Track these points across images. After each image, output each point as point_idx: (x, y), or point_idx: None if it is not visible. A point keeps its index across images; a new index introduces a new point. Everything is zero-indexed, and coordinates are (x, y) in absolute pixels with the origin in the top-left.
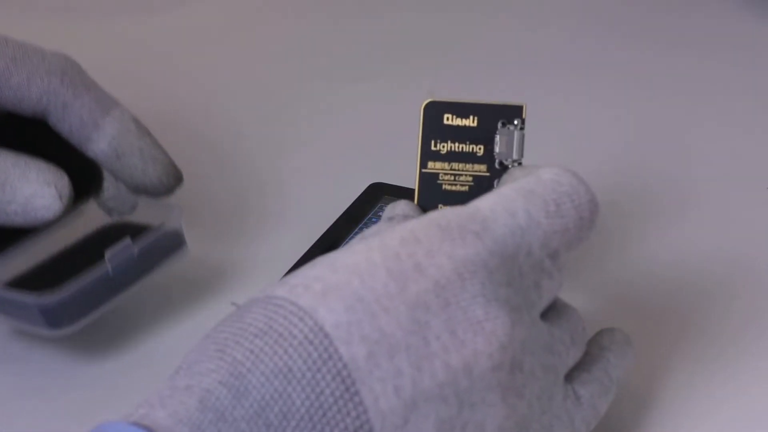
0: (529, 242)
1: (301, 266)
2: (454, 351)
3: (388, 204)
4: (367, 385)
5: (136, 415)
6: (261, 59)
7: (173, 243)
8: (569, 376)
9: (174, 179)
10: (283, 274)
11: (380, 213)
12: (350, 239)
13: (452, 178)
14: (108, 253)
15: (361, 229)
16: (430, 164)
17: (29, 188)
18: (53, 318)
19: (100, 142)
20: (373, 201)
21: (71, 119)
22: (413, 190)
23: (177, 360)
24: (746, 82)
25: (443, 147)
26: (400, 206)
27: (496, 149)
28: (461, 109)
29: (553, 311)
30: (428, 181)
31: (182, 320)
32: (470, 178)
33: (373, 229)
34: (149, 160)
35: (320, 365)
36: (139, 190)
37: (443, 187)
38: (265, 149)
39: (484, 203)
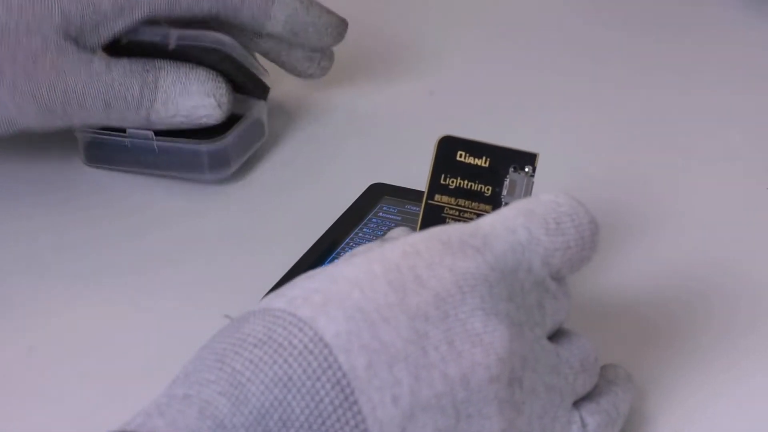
0: (529, 259)
1: (300, 266)
2: (451, 361)
3: (388, 204)
4: (365, 394)
5: (134, 424)
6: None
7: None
8: (577, 405)
9: (343, 30)
10: (284, 274)
11: (380, 213)
12: (350, 239)
13: (457, 213)
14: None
15: (361, 229)
16: (437, 197)
17: (191, 101)
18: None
19: (275, 28)
20: (373, 201)
21: (242, 18)
22: (413, 190)
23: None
24: (742, 81)
25: (452, 182)
26: (398, 231)
27: (504, 192)
28: (475, 148)
29: (562, 336)
30: (433, 212)
31: (175, 327)
32: (474, 216)
33: (363, 247)
34: (322, 29)
35: (320, 374)
36: (317, 50)
37: (446, 220)
38: (265, 148)
39: (485, 221)
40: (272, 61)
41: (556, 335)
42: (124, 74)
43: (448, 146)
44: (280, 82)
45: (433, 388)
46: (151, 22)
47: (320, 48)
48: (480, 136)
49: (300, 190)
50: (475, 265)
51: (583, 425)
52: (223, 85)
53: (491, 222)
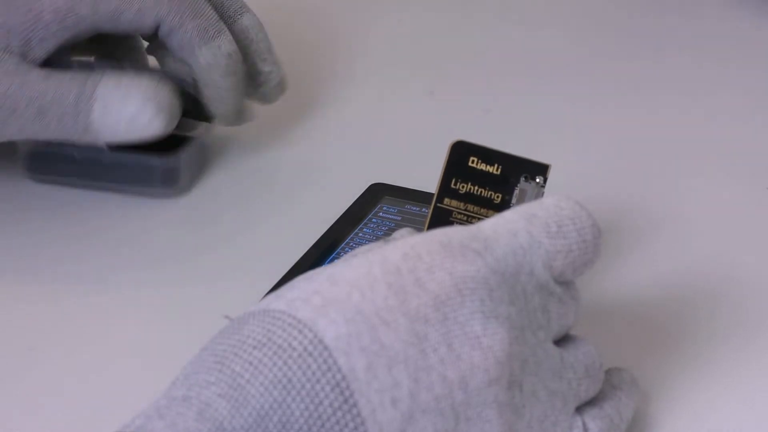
0: (531, 262)
1: (300, 266)
2: (450, 364)
3: (388, 204)
4: (365, 397)
5: (133, 426)
6: None
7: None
8: (580, 410)
9: (239, 119)
10: (283, 274)
11: (380, 213)
12: (350, 239)
13: (465, 218)
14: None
15: (361, 229)
16: (446, 200)
17: (131, 107)
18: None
19: (194, 67)
20: (373, 201)
21: (173, 43)
22: (414, 190)
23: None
24: (742, 81)
25: (463, 187)
26: (403, 233)
27: (513, 201)
28: (488, 155)
29: (568, 341)
30: (441, 215)
31: (177, 326)
32: None
33: (365, 247)
34: (224, 98)
35: (319, 376)
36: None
37: (454, 225)
38: (265, 149)
39: (486, 224)
40: None
41: (562, 340)
42: (61, 82)
43: (460, 151)
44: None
45: (432, 390)
46: (96, 36)
47: (213, 115)
48: (479, 137)
49: (300, 190)
50: (476, 268)
51: (585, 430)
52: (167, 91)
53: (493, 225)
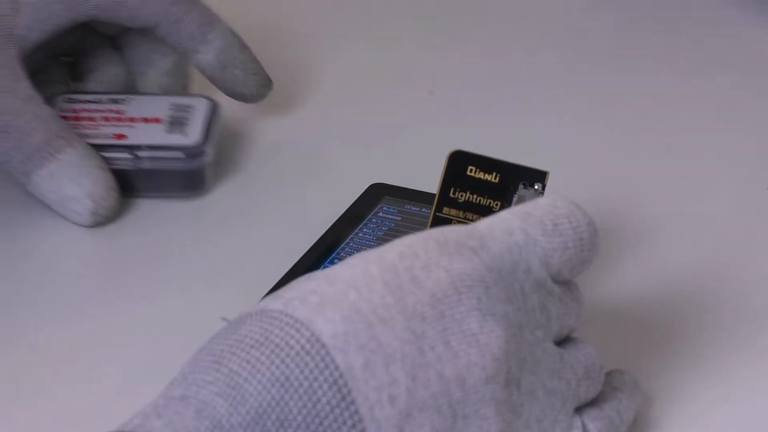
0: (527, 259)
1: (300, 267)
2: (447, 361)
3: (388, 204)
4: (362, 394)
5: (131, 425)
6: (260, 59)
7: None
8: (580, 411)
9: (267, 88)
10: (282, 275)
11: (380, 214)
12: (350, 240)
13: None
14: None
15: (361, 230)
16: (446, 209)
17: (73, 191)
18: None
19: (207, 54)
20: (373, 201)
21: (181, 33)
22: (413, 190)
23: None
24: (741, 82)
25: (461, 196)
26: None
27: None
28: (486, 164)
29: (569, 342)
30: (440, 224)
31: (175, 327)
32: None
33: (366, 251)
34: (249, 72)
35: (317, 374)
36: (237, 96)
37: None
38: (265, 148)
39: (482, 223)
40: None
41: (563, 341)
42: (37, 117)
43: (458, 160)
44: (274, 85)
45: (429, 388)
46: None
47: (240, 94)
48: (479, 137)
49: (300, 191)
50: (472, 266)
51: (585, 431)
52: (112, 200)
53: (488, 224)
